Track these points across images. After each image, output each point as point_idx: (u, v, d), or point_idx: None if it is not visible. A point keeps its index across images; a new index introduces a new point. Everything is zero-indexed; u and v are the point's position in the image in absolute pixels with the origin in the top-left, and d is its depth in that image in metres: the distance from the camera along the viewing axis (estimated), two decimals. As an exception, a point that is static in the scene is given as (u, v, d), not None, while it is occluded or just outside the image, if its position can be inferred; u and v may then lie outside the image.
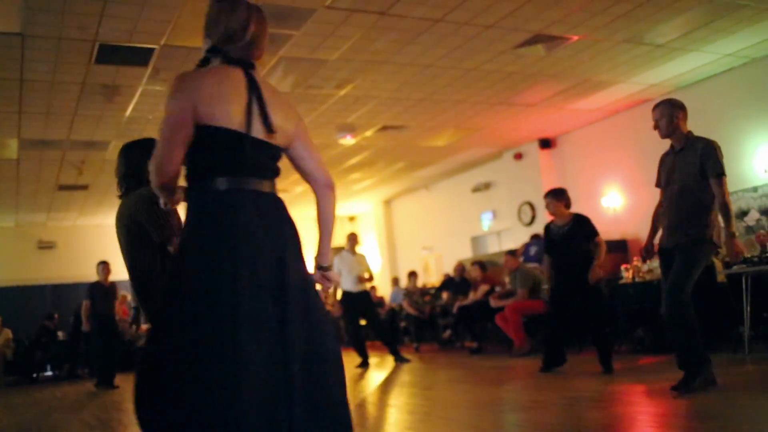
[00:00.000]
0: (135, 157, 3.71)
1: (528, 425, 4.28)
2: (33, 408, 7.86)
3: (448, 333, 11.68)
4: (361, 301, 9.46)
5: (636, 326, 8.09)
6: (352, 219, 19.10)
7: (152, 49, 6.97)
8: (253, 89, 2.33)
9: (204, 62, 2.42)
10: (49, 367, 13.35)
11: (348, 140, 10.98)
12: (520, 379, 6.79)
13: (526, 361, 8.04)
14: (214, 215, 2.25)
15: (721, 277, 7.28)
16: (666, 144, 5.15)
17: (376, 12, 6.57)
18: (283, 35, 6.92)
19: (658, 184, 5.13)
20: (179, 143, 2.25)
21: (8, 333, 12.91)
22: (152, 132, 9.74)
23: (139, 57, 7.11)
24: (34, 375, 13.04)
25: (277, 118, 2.36)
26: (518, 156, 12.55)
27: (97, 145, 10.04)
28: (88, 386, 10.01)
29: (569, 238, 6.63)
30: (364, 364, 9.14)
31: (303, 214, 18.15)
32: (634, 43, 7.90)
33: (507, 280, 10.02)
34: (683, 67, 8.89)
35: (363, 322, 9.77)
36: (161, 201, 2.60)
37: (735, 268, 6.80)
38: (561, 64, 8.43)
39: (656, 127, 4.97)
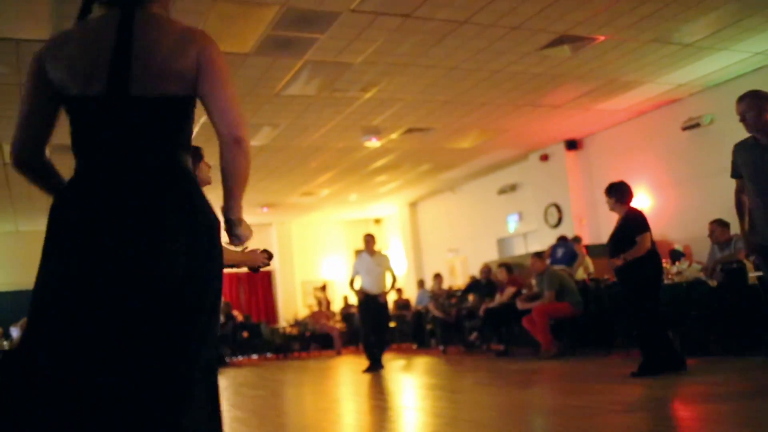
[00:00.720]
0: None
1: (556, 429, 4.24)
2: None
3: (474, 335, 11.63)
4: (375, 303, 9.28)
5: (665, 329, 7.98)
6: (377, 221, 19.12)
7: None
8: (122, 31, 1.88)
9: (81, 15, 2.01)
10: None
11: (373, 143, 10.99)
12: (547, 382, 6.74)
13: (554, 364, 7.98)
14: (52, 209, 1.94)
15: (752, 279, 7.17)
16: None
17: (401, 15, 6.57)
18: (308, 39, 6.96)
19: (734, 175, 4.85)
20: (33, 116, 1.98)
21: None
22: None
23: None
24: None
25: (155, 61, 1.86)
26: (544, 157, 12.48)
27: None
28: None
29: (613, 237, 6.48)
30: (372, 369, 9.01)
31: (327, 217, 18.21)
32: (662, 43, 7.82)
33: (534, 282, 9.95)
34: (712, 66, 8.78)
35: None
36: None
37: None
38: (587, 65, 8.37)
39: (743, 120, 4.65)
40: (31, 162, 2.05)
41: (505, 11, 6.69)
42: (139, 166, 1.86)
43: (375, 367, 9.04)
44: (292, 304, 17.65)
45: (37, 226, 15.42)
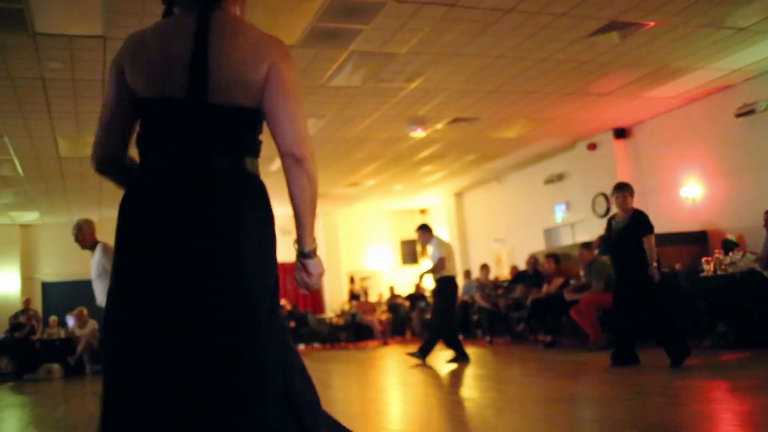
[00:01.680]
0: None
1: (604, 421, 4.20)
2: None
3: (521, 326, 11.57)
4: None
5: (718, 321, 7.83)
6: (423, 212, 19.12)
7: (226, 48, 7.12)
8: (199, 36, 1.89)
9: (165, 12, 2.05)
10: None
11: (418, 133, 10.97)
12: (595, 373, 6.67)
13: (602, 355, 7.88)
14: (125, 203, 1.95)
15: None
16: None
17: (446, 4, 6.53)
18: (353, 30, 6.97)
19: None
20: (114, 119, 2.02)
21: (94, 324, 13.44)
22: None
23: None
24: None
25: (225, 70, 1.88)
26: (592, 146, 12.30)
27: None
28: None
29: (624, 234, 6.57)
30: (459, 359, 8.59)
31: (373, 208, 18.26)
32: (714, 28, 7.62)
33: (581, 273, 9.85)
34: (767, 51, 8.53)
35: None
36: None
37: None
38: (636, 52, 8.20)
39: None
40: (113, 165, 2.07)
41: (552, -2, 6.60)
42: (211, 168, 1.89)
43: (464, 356, 8.65)
44: (338, 295, 17.77)
45: (90, 217, 15.82)
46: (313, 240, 2.00)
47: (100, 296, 6.51)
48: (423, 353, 8.80)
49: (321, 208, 17.29)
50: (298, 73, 1.99)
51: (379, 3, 6.42)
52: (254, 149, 1.99)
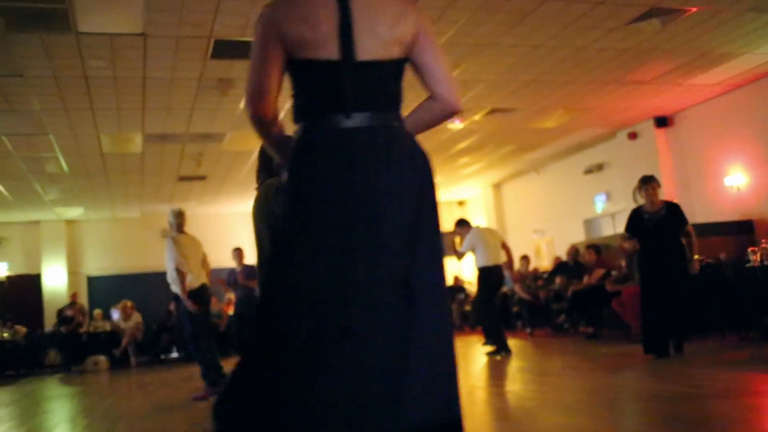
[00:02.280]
0: (268, 155, 4.08)
1: (649, 414, 4.15)
2: (163, 387, 8.31)
3: (562, 318, 11.47)
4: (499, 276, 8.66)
5: (765, 313, 7.66)
6: (461, 203, 19.04)
7: (264, 43, 7.17)
8: (347, 3, 1.96)
9: None
10: (174, 349, 14.07)
11: (456, 125, 10.92)
12: (638, 366, 6.59)
13: (645, 347, 7.78)
14: (315, 162, 1.93)
15: None
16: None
17: (483, -6, 6.49)
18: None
19: None
20: (269, 72, 1.98)
21: (138, 317, 13.71)
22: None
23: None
24: (161, 356, 13.81)
25: (381, 27, 1.97)
26: (633, 135, 12.11)
27: (213, 137, 10.45)
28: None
29: (663, 225, 6.54)
30: (499, 351, 8.28)
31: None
32: (760, 12, 7.44)
33: (623, 263, 9.72)
34: (815, 34, 8.31)
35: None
36: (269, 150, 2.23)
37: None
38: (678, 38, 8.05)
39: None
40: (267, 114, 2.04)
41: (591, -14, 6.51)
42: (383, 126, 1.98)
43: (506, 349, 8.33)
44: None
45: (132, 213, 16.12)
46: None
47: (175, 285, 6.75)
48: (496, 343, 8.45)
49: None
50: None
51: (415, -5, 6.40)
52: (401, 101, 2.09)
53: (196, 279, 6.82)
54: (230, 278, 10.26)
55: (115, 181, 12.80)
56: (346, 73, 1.93)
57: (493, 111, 10.47)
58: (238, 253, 10.20)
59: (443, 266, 2.01)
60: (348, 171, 1.90)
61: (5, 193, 12.90)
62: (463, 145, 12.47)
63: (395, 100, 2.05)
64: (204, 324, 6.95)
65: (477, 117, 10.68)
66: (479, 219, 17.76)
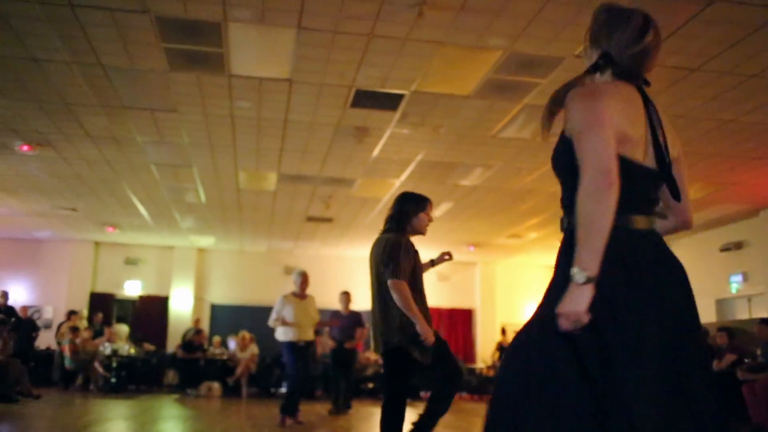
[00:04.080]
0: (406, 205, 4.17)
1: None
2: (271, 421, 8.45)
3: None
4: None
5: None
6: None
7: (402, 95, 7.35)
8: (652, 111, 2.06)
9: (593, 69, 2.15)
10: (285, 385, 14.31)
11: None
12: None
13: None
14: (632, 259, 1.98)
15: None
16: None
17: (627, 61, 6.37)
18: (529, 83, 6.96)
19: None
20: (613, 155, 1.91)
21: (254, 348, 14.09)
22: (394, 171, 10.24)
23: (390, 102, 7.54)
24: (272, 390, 14.08)
25: (673, 142, 2.12)
26: (778, 215, 11.41)
27: (344, 182, 10.72)
28: (319, 408, 10.56)
29: None
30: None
31: (533, 261, 17.92)
32: None
33: (759, 352, 9.09)
34: None
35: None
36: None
37: None
38: (837, 118, 7.58)
39: None
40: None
41: (744, 59, 6.25)
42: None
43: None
44: (491, 345, 17.47)
45: (258, 247, 16.70)
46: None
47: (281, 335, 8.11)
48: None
49: (480, 257, 17.25)
50: None
51: (557, 57, 6.38)
52: None
53: (302, 334, 8.05)
54: (333, 331, 11.17)
55: (246, 215, 13.34)
56: (655, 180, 2.08)
57: (627, 178, 10.16)
58: (346, 297, 10.41)
59: None
60: (657, 273, 2.15)
61: (147, 217, 13.71)
62: (592, 210, 12.15)
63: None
64: (300, 373, 8.04)
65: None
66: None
